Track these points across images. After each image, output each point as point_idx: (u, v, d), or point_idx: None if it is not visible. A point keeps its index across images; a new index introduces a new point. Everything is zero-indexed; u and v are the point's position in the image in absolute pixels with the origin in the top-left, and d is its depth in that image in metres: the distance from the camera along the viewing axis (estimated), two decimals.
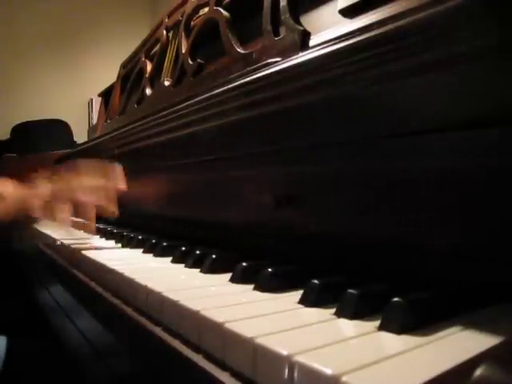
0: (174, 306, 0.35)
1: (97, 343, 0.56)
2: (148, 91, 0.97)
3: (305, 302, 0.34)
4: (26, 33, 3.02)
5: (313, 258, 0.46)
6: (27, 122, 2.67)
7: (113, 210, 0.69)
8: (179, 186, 0.79)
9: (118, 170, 0.72)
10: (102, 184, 0.70)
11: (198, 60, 0.77)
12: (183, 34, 0.86)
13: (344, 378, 0.20)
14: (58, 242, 0.80)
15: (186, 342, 0.33)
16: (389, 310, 0.28)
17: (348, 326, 0.29)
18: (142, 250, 0.66)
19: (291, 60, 0.46)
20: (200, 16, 0.85)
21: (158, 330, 0.36)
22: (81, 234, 0.89)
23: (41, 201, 0.68)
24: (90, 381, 0.63)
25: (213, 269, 0.48)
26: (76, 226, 0.78)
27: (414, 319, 0.28)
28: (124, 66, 1.29)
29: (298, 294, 0.36)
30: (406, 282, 0.35)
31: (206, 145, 0.68)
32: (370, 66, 0.37)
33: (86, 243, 0.74)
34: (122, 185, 0.70)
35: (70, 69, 3.22)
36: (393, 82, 0.37)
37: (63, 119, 2.85)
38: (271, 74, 0.49)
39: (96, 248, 0.70)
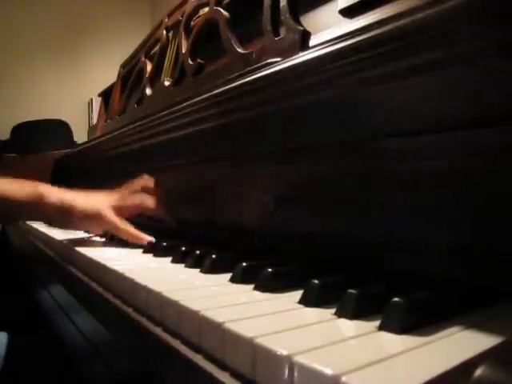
0: (174, 306, 0.35)
1: (96, 343, 0.56)
2: (148, 91, 0.97)
3: (305, 301, 0.34)
4: (26, 33, 3.02)
5: (313, 258, 0.46)
6: (27, 122, 2.68)
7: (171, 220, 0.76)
8: (179, 185, 0.79)
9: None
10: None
11: (198, 60, 0.77)
12: (183, 34, 0.86)
13: (344, 378, 0.20)
14: (59, 241, 0.80)
15: (186, 342, 0.33)
16: (389, 310, 0.28)
17: (348, 326, 0.29)
18: (142, 250, 0.66)
19: (291, 60, 0.46)
20: (200, 16, 0.85)
21: (158, 330, 0.36)
22: (81, 234, 0.89)
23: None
24: (89, 380, 0.63)
25: (213, 269, 0.48)
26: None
27: (414, 319, 0.28)
28: (124, 66, 1.28)
29: (298, 294, 0.36)
30: (406, 282, 0.35)
31: (206, 145, 0.68)
32: (370, 66, 0.37)
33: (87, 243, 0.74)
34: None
35: (70, 69, 3.22)
36: (393, 82, 0.37)
37: (63, 119, 2.85)
38: (271, 74, 0.49)
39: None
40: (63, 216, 0.71)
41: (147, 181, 0.77)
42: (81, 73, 3.25)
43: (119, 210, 0.73)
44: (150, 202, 0.75)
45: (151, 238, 0.68)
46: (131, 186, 0.77)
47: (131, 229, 0.70)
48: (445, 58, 0.33)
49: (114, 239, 0.78)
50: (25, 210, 0.74)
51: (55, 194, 0.72)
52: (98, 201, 0.73)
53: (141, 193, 0.76)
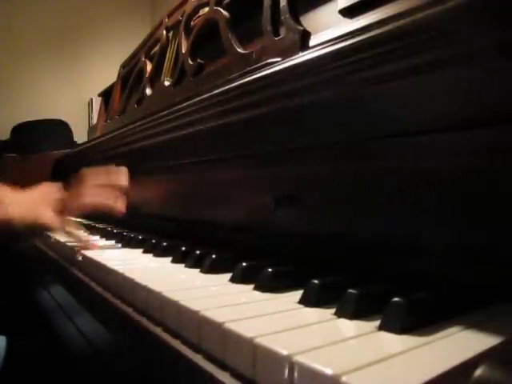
0: (174, 306, 0.35)
1: (97, 343, 0.56)
2: (148, 91, 0.97)
3: (305, 301, 0.34)
4: (26, 33, 3.02)
5: (313, 258, 0.46)
6: (27, 122, 2.67)
7: (121, 208, 0.72)
8: (179, 186, 0.79)
9: (122, 170, 0.75)
10: (105, 184, 0.73)
11: (198, 60, 0.77)
12: (183, 34, 0.86)
13: (344, 378, 0.20)
14: (57, 241, 0.80)
15: (186, 342, 0.33)
16: (389, 310, 0.28)
17: (348, 326, 0.29)
18: (142, 250, 0.66)
19: (291, 60, 0.46)
20: (200, 16, 0.85)
21: (158, 330, 0.36)
22: (81, 233, 0.89)
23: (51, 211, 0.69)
24: (89, 380, 0.63)
25: (213, 269, 0.48)
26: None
27: (414, 319, 0.28)
28: (124, 66, 1.28)
29: (298, 294, 0.36)
30: (406, 282, 0.35)
31: (206, 145, 0.68)
32: (370, 66, 0.37)
33: (87, 243, 0.74)
34: (124, 182, 0.74)
35: (69, 69, 3.22)
36: (393, 82, 0.37)
37: (63, 119, 2.85)
38: (271, 74, 0.49)
39: (97, 246, 0.71)
40: None
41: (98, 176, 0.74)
42: (81, 73, 3.25)
43: (62, 206, 0.70)
44: (99, 198, 0.71)
45: (94, 243, 0.68)
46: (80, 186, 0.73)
47: (73, 231, 0.70)
48: (445, 58, 0.33)
49: (114, 239, 0.78)
50: None
51: None
52: (36, 203, 0.69)
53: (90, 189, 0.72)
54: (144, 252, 0.65)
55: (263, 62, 0.53)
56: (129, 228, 0.87)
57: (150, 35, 1.10)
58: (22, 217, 0.66)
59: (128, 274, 0.46)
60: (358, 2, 0.50)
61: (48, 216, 0.68)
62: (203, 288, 0.41)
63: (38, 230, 0.71)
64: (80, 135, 2.60)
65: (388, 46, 0.35)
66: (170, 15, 1.01)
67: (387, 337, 0.27)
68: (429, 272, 0.36)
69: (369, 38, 0.37)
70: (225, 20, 0.70)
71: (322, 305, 0.33)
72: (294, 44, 0.51)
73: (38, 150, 2.09)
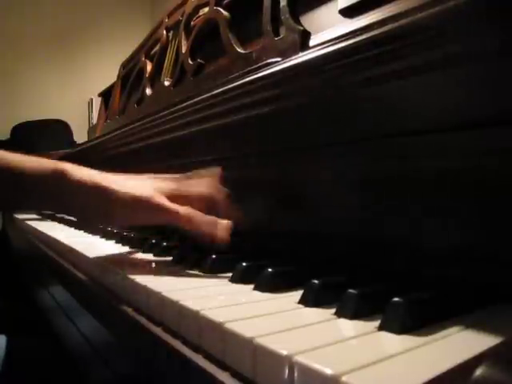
0: (174, 306, 0.35)
1: (97, 343, 0.56)
2: (148, 91, 0.97)
3: (305, 301, 0.34)
4: (26, 33, 3.02)
5: (313, 258, 0.46)
6: (27, 122, 2.68)
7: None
8: None
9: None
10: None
11: (198, 60, 0.77)
12: (183, 34, 0.86)
13: (344, 378, 0.20)
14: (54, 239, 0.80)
15: (186, 342, 0.33)
16: (389, 310, 0.28)
17: (348, 326, 0.29)
18: (141, 250, 0.66)
19: (291, 60, 0.46)
20: (200, 16, 0.86)
21: (158, 330, 0.36)
22: (80, 234, 0.89)
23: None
24: (89, 380, 0.63)
25: (213, 269, 0.48)
26: None
27: (414, 319, 0.28)
28: (124, 66, 1.29)
29: (298, 294, 0.36)
30: (406, 282, 0.35)
31: (206, 145, 0.68)
32: (370, 65, 0.38)
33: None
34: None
35: (69, 69, 3.23)
36: (393, 82, 0.37)
37: (63, 119, 2.86)
38: (271, 73, 0.49)
39: None
40: (97, 202, 0.49)
41: (215, 172, 0.55)
42: (81, 73, 3.26)
43: (174, 200, 0.50)
44: (220, 194, 0.51)
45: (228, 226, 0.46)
46: (194, 174, 0.55)
47: (204, 216, 0.47)
48: (445, 58, 0.33)
49: (114, 239, 0.78)
50: (38, 193, 0.51)
51: (84, 171, 0.51)
52: (146, 185, 0.51)
53: (208, 180, 0.53)
54: (144, 252, 0.65)
55: (263, 62, 0.53)
56: (128, 228, 0.87)
57: (150, 35, 1.11)
58: (126, 192, 0.48)
59: (128, 273, 0.46)
60: (358, 2, 0.51)
61: (166, 201, 0.48)
62: (203, 288, 0.41)
63: (150, 217, 0.50)
64: (80, 135, 2.60)
65: (388, 45, 0.35)
66: (169, 15, 1.01)
67: (387, 337, 0.27)
68: (429, 272, 0.36)
69: (369, 37, 0.37)
70: (225, 20, 0.70)
71: (321, 305, 0.33)
72: (294, 44, 0.51)
73: (38, 150, 2.09)
